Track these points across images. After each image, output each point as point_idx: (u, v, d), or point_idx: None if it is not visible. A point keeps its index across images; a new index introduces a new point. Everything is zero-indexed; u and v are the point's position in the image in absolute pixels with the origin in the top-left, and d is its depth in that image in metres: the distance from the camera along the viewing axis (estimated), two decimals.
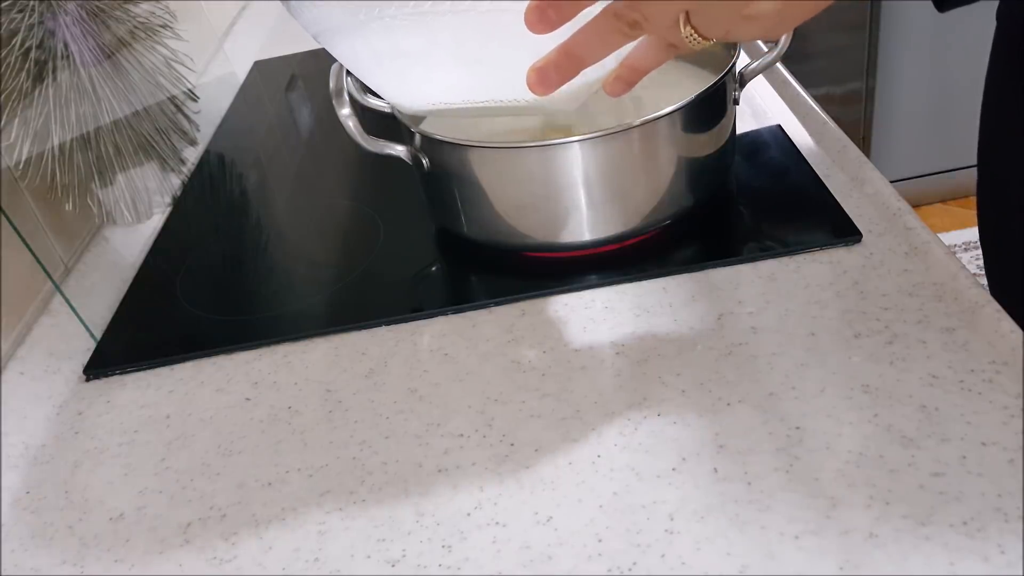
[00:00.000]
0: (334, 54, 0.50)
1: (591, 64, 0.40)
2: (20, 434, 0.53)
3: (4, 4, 0.58)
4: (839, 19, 1.73)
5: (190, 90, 0.76)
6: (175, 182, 0.75)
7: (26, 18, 0.59)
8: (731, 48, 0.59)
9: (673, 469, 0.42)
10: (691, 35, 0.38)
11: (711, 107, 0.56)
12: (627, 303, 0.53)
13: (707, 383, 0.46)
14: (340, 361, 0.54)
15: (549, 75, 0.40)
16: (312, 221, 0.71)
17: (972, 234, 1.78)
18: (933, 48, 1.74)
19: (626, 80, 0.44)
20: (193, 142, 0.77)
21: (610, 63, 0.44)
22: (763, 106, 0.71)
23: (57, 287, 0.65)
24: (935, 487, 0.38)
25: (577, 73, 0.41)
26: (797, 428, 0.42)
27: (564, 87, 0.42)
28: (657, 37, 0.41)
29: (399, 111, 0.58)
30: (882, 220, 0.56)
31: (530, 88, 0.41)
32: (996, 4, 0.66)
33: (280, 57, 1.09)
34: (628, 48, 0.42)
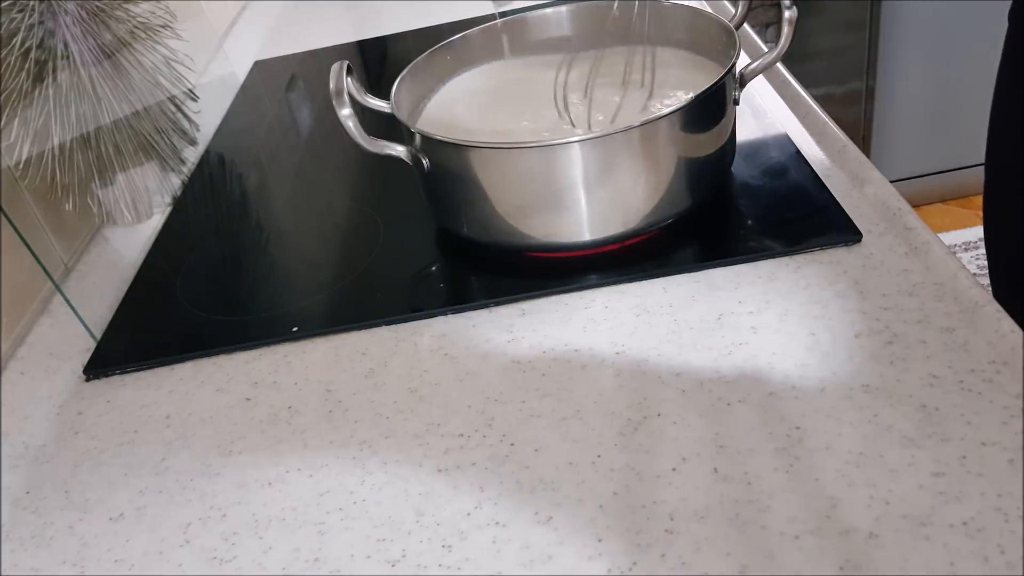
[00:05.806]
0: None
1: None
2: (20, 434, 0.53)
3: (4, 4, 0.58)
4: (839, 19, 1.73)
5: (190, 90, 0.76)
6: (175, 182, 0.75)
7: (26, 18, 0.59)
8: (731, 48, 0.59)
9: (673, 469, 0.42)
10: None
11: (711, 107, 0.56)
12: (627, 303, 0.53)
13: (707, 383, 0.46)
14: (340, 361, 0.54)
15: None
16: (312, 221, 0.71)
17: (972, 234, 1.78)
18: (933, 48, 1.74)
19: None
20: (193, 142, 0.77)
21: None
22: (763, 106, 0.71)
23: (57, 287, 0.65)
24: (935, 487, 0.38)
25: None
26: (797, 428, 0.42)
27: None
28: None
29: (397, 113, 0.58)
30: (882, 220, 0.56)
31: None
32: (1000, 4, 0.66)
33: (280, 57, 1.09)
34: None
